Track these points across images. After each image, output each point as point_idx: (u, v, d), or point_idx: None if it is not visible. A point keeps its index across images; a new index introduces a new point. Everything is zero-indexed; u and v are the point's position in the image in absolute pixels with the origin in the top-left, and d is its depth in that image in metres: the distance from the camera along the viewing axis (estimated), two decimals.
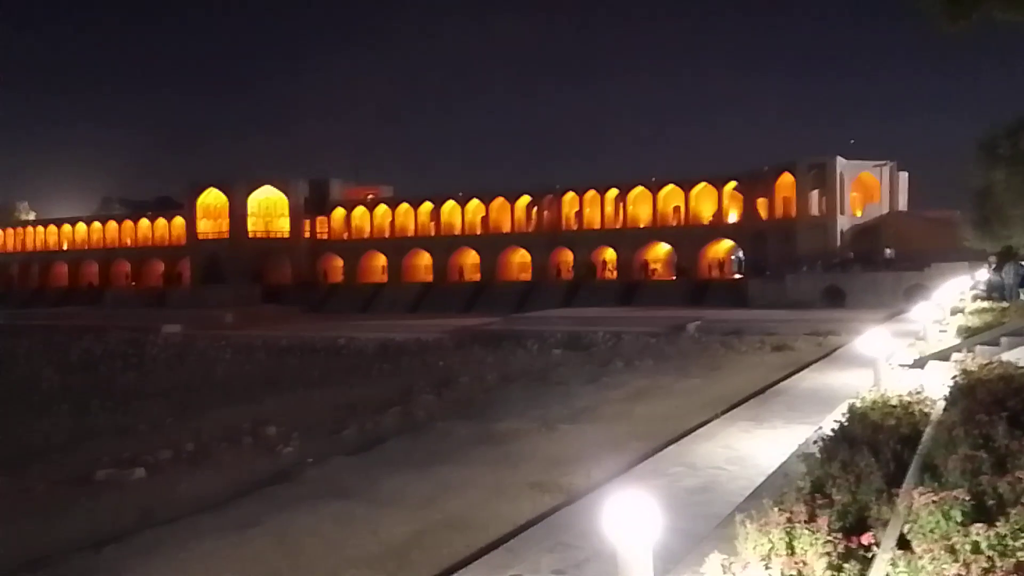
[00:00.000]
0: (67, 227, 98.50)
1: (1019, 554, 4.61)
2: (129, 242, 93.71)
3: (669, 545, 6.92)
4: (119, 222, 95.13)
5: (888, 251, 59.09)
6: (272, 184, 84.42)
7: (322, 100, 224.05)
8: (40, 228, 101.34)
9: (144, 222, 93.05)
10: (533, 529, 8.89)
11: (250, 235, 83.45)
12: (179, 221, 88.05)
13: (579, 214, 76.04)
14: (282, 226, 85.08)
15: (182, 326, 53.11)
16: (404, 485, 13.12)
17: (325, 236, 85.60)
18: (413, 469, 14.16)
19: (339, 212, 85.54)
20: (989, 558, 4.55)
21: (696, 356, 30.53)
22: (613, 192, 74.40)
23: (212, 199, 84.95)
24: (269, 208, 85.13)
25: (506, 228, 78.91)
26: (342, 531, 10.95)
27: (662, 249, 73.23)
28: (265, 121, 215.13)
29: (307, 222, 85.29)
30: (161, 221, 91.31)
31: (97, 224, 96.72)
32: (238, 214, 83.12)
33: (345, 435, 18.25)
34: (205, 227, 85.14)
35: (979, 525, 4.86)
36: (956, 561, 4.52)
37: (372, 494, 12.70)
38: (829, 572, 4.83)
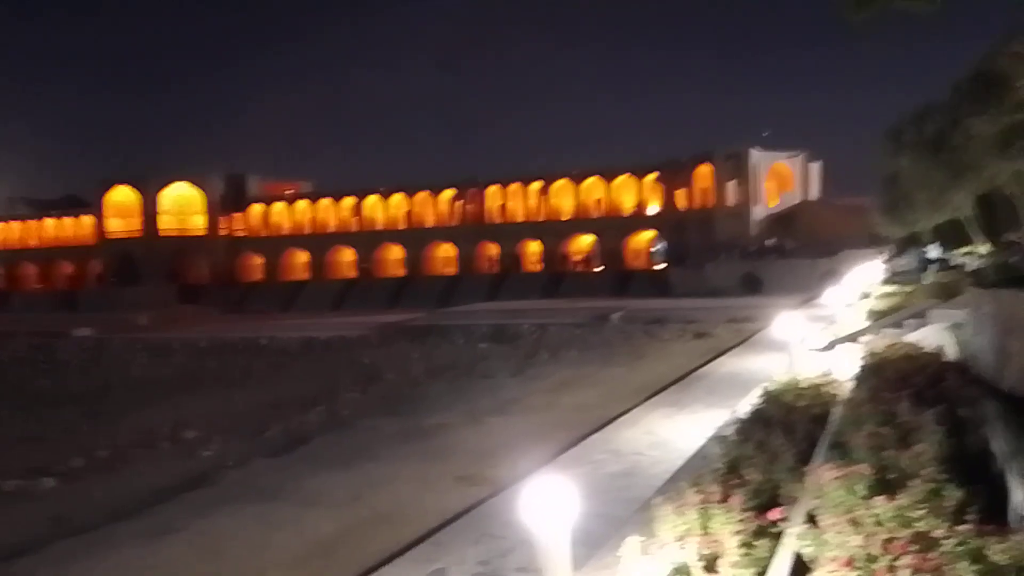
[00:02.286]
0: None
1: (917, 524, 4.84)
2: (36, 243, 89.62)
3: (592, 530, 7.04)
4: (24, 222, 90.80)
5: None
6: (186, 180, 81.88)
7: (237, 96, 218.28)
8: None
9: (51, 221, 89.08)
10: (459, 522, 8.92)
11: (164, 233, 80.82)
12: (88, 220, 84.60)
13: (503, 207, 76.23)
14: (197, 223, 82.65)
15: (94, 329, 51.12)
16: (329, 484, 12.95)
17: (243, 233, 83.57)
18: (338, 467, 14.00)
19: (257, 208, 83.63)
20: (890, 529, 4.77)
21: (620, 345, 31.03)
22: (536, 184, 74.83)
23: (123, 197, 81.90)
24: (183, 205, 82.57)
25: (430, 222, 78.54)
26: (266, 533, 10.75)
27: (586, 240, 74.07)
28: (178, 118, 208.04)
29: (224, 219, 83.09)
30: (69, 220, 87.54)
31: (7, 224, 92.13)
32: (150, 212, 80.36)
33: (267, 436, 17.90)
34: (116, 226, 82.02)
35: (881, 498, 5.09)
36: (859, 533, 4.73)
37: (296, 494, 12.50)
38: (742, 549, 4.99)
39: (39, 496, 13.93)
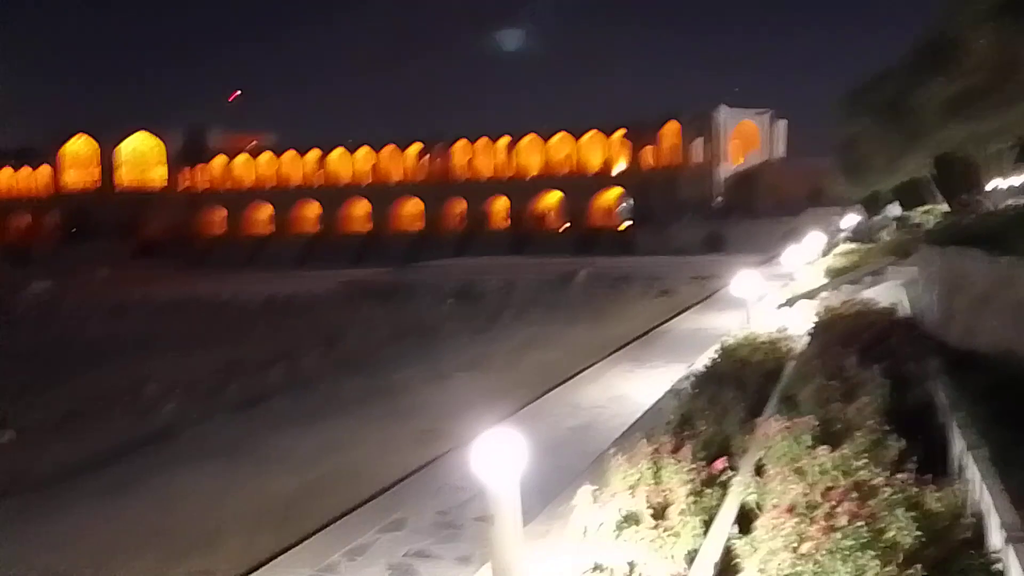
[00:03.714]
0: None
1: (860, 473, 5.00)
2: None
3: (550, 480, 7.17)
4: None
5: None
6: (145, 131, 79.90)
7: (198, 44, 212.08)
8: None
9: (6, 171, 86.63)
10: (419, 475, 9.02)
11: (122, 186, 79.06)
12: (45, 170, 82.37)
13: (470, 163, 75.68)
14: (157, 176, 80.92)
15: (50, 283, 50.10)
16: (290, 442, 12.98)
17: (204, 187, 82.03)
18: (299, 425, 14.02)
19: (219, 160, 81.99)
20: (832, 479, 4.93)
21: (584, 303, 31.23)
22: (504, 140, 74.30)
23: (80, 147, 79.78)
24: (142, 157, 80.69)
25: (397, 177, 77.76)
26: (224, 490, 10.77)
27: (553, 198, 73.97)
28: (136, 68, 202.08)
29: (185, 172, 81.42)
30: (25, 171, 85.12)
31: None
32: (108, 164, 78.47)
33: (228, 393, 17.82)
34: (72, 177, 79.98)
35: (824, 448, 5.25)
36: (801, 482, 4.88)
37: (256, 452, 12.52)
38: (691, 498, 5.12)
39: None
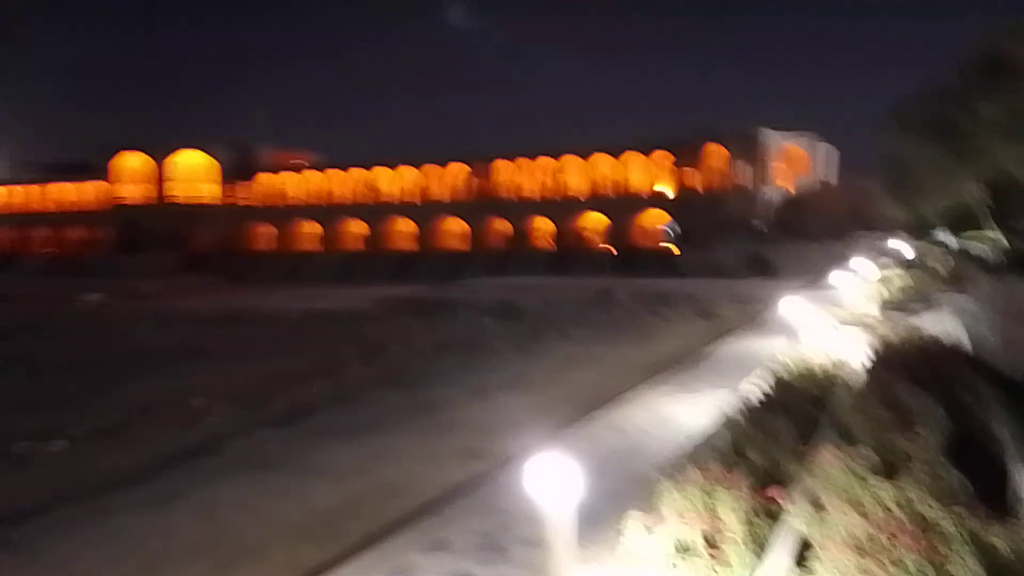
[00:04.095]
0: None
1: (919, 507, 4.87)
2: (45, 207, 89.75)
3: (594, 506, 7.09)
4: (34, 186, 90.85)
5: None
6: (195, 148, 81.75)
7: (246, 66, 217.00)
8: None
9: (62, 186, 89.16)
10: (462, 494, 8.99)
11: (172, 201, 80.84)
12: (97, 186, 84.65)
13: (512, 182, 75.97)
14: (205, 192, 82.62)
15: (101, 295, 51.33)
16: (333, 455, 13.05)
17: (251, 203, 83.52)
18: (343, 439, 14.09)
19: (266, 178, 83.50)
20: (890, 511, 4.81)
21: (626, 324, 31.02)
22: (545, 160, 74.49)
23: (132, 163, 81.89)
24: (192, 173, 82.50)
25: (439, 196, 78.34)
26: (270, 502, 10.86)
27: (595, 217, 73.86)
28: (187, 87, 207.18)
29: (232, 188, 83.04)
30: (80, 185, 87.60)
31: (12, 188, 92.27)
32: (159, 179, 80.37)
33: (271, 406, 18.00)
34: (125, 192, 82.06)
35: (881, 480, 5.13)
36: (860, 514, 4.76)
37: (301, 465, 12.61)
38: (744, 527, 5.03)
39: (47, 460, 14.08)
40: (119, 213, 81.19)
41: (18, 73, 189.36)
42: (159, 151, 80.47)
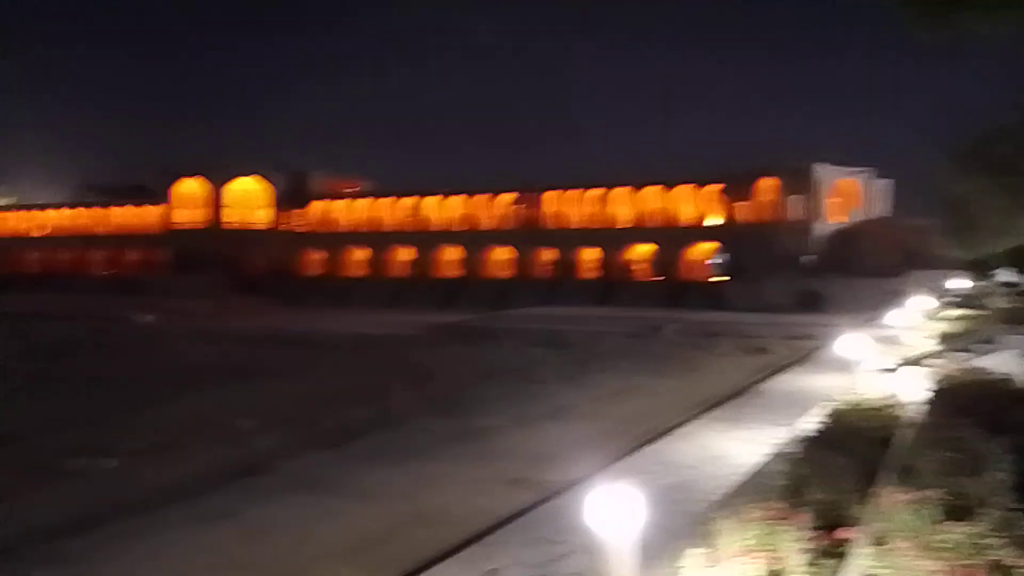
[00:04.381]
0: (39, 213, 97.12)
1: (992, 552, 4.66)
2: (104, 230, 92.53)
3: (648, 540, 6.95)
4: (93, 209, 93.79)
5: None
6: (250, 175, 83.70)
7: (298, 90, 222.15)
8: (14, 213, 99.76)
9: (119, 210, 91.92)
10: (512, 524, 8.89)
11: (226, 226, 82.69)
12: (154, 210, 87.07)
13: (560, 212, 76.11)
14: (259, 217, 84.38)
15: (156, 315, 52.54)
16: (379, 479, 13.07)
17: (303, 229, 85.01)
18: (388, 464, 14.11)
19: (318, 205, 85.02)
20: (963, 556, 4.61)
21: (673, 357, 30.66)
22: (595, 191, 74.57)
23: (189, 188, 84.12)
24: (246, 199, 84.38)
25: (487, 225, 78.81)
26: (315, 524, 10.89)
27: (644, 249, 73.50)
28: (241, 111, 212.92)
29: (285, 214, 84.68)
30: (136, 210, 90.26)
31: (71, 211, 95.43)
32: (215, 204, 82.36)
33: (320, 428, 18.12)
34: (181, 216, 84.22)
35: (954, 523, 4.92)
36: (930, 558, 4.57)
37: (347, 488, 12.64)
38: (808, 568, 4.87)
39: (100, 476, 14.34)
40: (176, 236, 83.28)
41: (79, 98, 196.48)
42: (217, 177, 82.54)
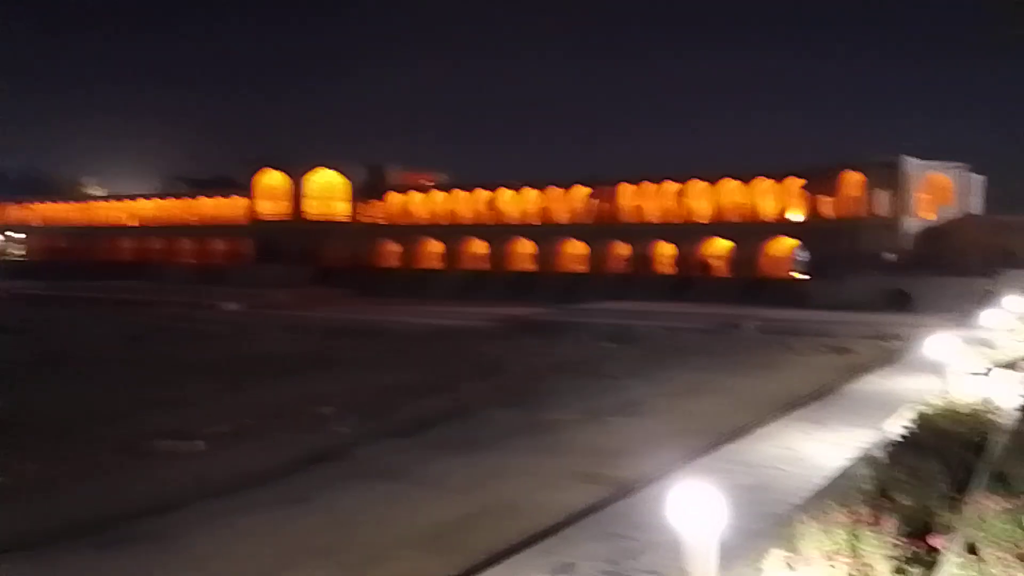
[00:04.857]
0: (131, 203, 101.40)
1: None
2: (192, 220, 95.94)
3: (725, 541, 6.84)
4: (182, 199, 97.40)
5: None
6: (330, 167, 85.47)
7: (379, 79, 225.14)
8: (106, 203, 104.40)
9: (206, 200, 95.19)
10: (586, 519, 8.86)
11: (308, 217, 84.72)
12: (240, 201, 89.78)
13: (636, 206, 75.30)
14: (338, 209, 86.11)
15: (240, 304, 54.18)
16: (453, 469, 13.20)
17: (380, 221, 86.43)
18: (461, 454, 14.24)
19: (395, 197, 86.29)
20: None
21: (750, 355, 30.04)
22: (671, 185, 73.51)
23: (272, 180, 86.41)
24: (327, 191, 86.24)
25: (561, 218, 78.61)
26: (392, 510, 11.07)
27: (721, 244, 72.14)
28: (322, 104, 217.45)
29: (363, 206, 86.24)
30: (222, 200, 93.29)
31: (161, 201, 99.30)
32: (297, 196, 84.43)
33: (395, 417, 18.41)
34: (264, 207, 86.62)
35: None
36: None
37: (421, 476, 12.82)
38: (893, 573, 4.71)
39: (188, 457, 14.88)
40: (258, 227, 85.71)
41: (165, 89, 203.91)
42: (298, 169, 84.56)
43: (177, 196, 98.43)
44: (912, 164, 60.95)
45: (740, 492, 9.50)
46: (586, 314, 45.89)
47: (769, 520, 7.26)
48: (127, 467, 14.15)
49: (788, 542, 5.32)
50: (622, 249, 74.68)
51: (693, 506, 4.16)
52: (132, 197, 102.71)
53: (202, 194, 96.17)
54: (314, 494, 11.73)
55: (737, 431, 13.88)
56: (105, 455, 14.85)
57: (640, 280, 67.71)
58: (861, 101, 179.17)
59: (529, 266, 77.37)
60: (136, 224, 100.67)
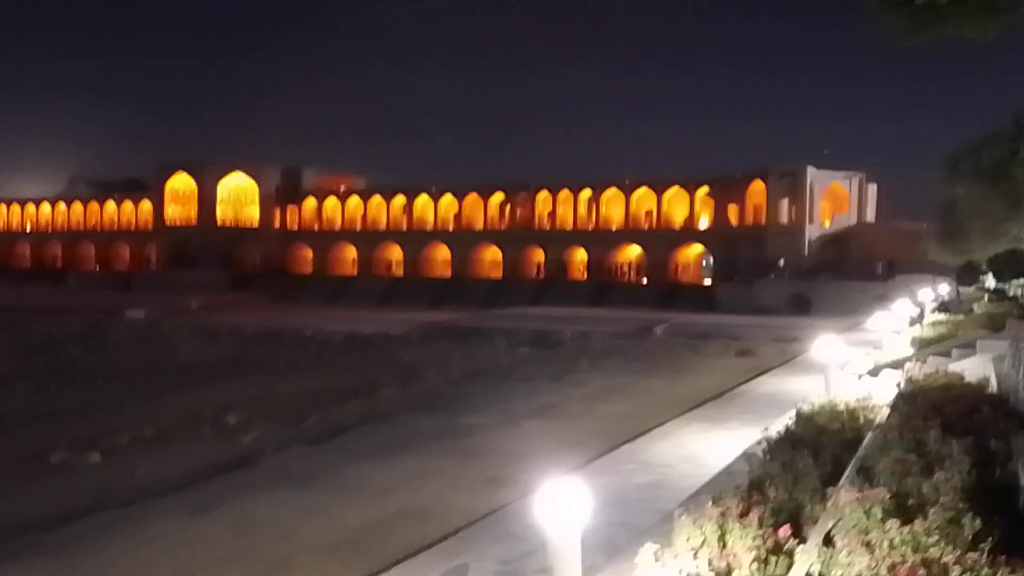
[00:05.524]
0: (31, 207, 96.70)
1: (931, 551, 4.86)
2: (95, 225, 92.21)
3: (614, 538, 7.17)
4: (85, 203, 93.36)
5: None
6: (243, 171, 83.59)
7: (295, 85, 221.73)
8: (2, 207, 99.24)
9: (111, 205, 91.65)
10: (484, 521, 9.08)
11: (219, 223, 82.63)
12: (147, 205, 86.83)
13: (552, 213, 76.27)
14: (252, 214, 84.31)
15: (147, 310, 52.56)
16: (364, 475, 13.23)
17: (295, 226, 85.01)
18: (373, 460, 14.28)
19: (311, 202, 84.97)
20: (902, 554, 4.81)
21: (661, 358, 30.89)
22: (586, 192, 74.73)
23: (181, 184, 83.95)
24: (239, 195, 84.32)
25: (478, 224, 78.95)
26: (298, 518, 11.06)
27: (634, 251, 73.74)
28: (235, 103, 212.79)
29: (277, 211, 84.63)
30: (128, 204, 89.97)
31: (63, 205, 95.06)
32: (208, 200, 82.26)
33: (306, 424, 18.30)
34: (174, 212, 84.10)
35: (895, 522, 5.12)
36: (870, 555, 4.77)
37: (331, 483, 12.81)
38: (755, 565, 5.05)
39: (84, 469, 14.48)
40: (169, 231, 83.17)
41: (74, 92, 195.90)
42: (210, 173, 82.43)
43: (82, 200, 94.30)
44: (815, 173, 63.64)
45: (636, 490, 9.93)
46: (504, 319, 46.29)
47: (658, 516, 7.63)
48: (15, 480, 13.69)
49: (666, 537, 5.64)
50: (539, 255, 75.53)
51: (558, 505, 4.42)
52: (35, 201, 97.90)
53: (109, 198, 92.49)
54: (217, 503, 11.61)
55: (640, 432, 14.35)
56: (0, 467, 14.33)
57: (557, 286, 68.64)
58: (771, 112, 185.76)
59: (447, 272, 77.42)
60: (42, 229, 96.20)
